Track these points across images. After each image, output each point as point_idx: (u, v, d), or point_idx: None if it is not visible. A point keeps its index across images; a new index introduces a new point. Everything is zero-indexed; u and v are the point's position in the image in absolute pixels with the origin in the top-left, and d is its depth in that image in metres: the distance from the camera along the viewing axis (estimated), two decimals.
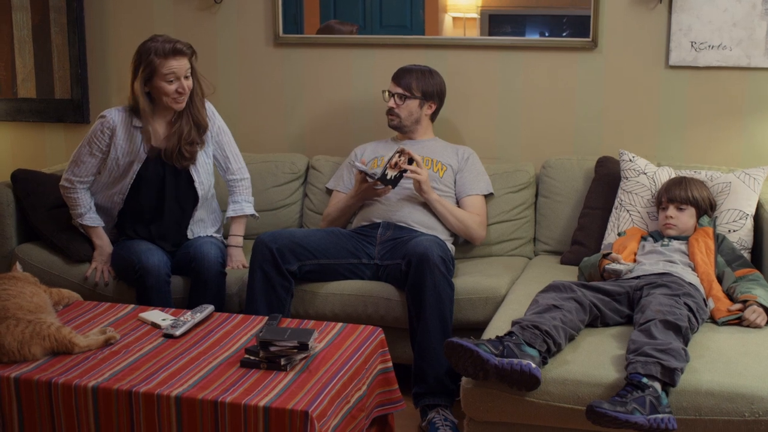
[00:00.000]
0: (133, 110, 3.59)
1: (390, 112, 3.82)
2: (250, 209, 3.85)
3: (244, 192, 3.85)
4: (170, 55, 3.48)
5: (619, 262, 3.17)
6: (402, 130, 3.85)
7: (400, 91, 3.79)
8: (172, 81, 3.50)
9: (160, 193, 3.67)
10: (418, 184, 3.58)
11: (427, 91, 3.80)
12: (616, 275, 3.11)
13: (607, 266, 3.16)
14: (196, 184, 3.68)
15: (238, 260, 3.76)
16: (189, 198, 3.71)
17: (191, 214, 3.73)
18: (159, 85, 3.50)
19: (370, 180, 3.61)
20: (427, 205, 3.68)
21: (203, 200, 3.72)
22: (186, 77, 3.53)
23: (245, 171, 3.87)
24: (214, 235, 3.79)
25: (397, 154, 3.54)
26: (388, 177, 3.55)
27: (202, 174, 3.70)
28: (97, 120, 3.64)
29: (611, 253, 3.25)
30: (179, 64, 3.49)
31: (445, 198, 3.68)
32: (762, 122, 3.82)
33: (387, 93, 3.83)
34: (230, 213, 3.83)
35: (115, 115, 3.61)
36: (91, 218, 3.71)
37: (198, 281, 3.49)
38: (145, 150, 3.60)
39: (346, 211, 3.79)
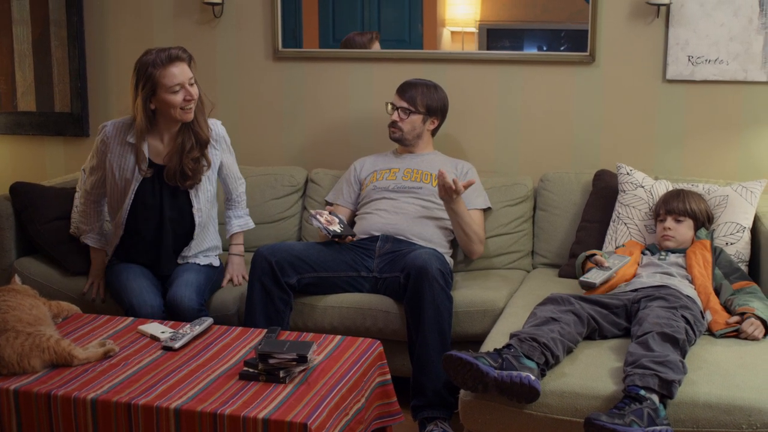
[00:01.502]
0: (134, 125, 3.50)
1: (393, 125, 3.83)
2: (251, 222, 3.85)
3: (243, 205, 3.83)
4: (168, 63, 3.36)
5: (601, 266, 3.17)
6: (403, 143, 3.87)
7: (404, 105, 3.80)
8: (177, 91, 3.38)
9: (159, 219, 3.56)
10: (451, 195, 3.51)
11: (431, 106, 3.81)
12: (589, 288, 3.12)
13: (580, 279, 3.17)
14: (194, 210, 3.58)
15: (239, 272, 3.73)
16: (186, 225, 3.60)
17: (187, 243, 3.61)
18: (165, 98, 3.38)
19: (330, 237, 3.57)
20: (426, 218, 3.69)
21: (200, 228, 3.62)
22: (191, 84, 3.42)
23: (243, 185, 3.83)
24: (201, 263, 3.64)
25: (318, 220, 3.55)
26: (339, 232, 3.56)
27: (203, 200, 3.60)
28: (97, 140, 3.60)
29: (595, 254, 3.26)
30: (180, 71, 3.38)
31: (442, 211, 3.68)
32: (759, 136, 3.83)
33: (390, 106, 3.84)
34: (236, 229, 3.77)
35: (110, 129, 3.53)
36: (93, 238, 3.67)
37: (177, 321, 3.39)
38: (140, 171, 3.50)
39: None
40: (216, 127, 3.64)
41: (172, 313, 3.40)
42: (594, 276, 3.14)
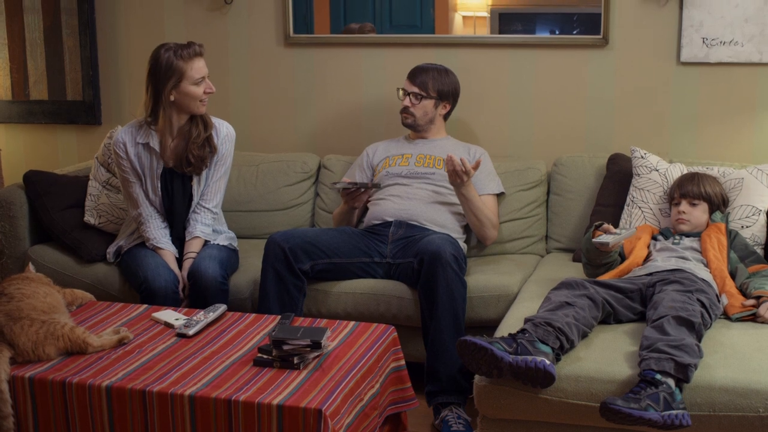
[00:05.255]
0: (145, 124, 3.56)
1: (404, 110, 3.81)
2: (212, 237, 3.68)
3: (211, 218, 3.68)
4: (194, 56, 3.47)
5: (609, 232, 3.14)
6: (416, 129, 3.85)
7: (415, 90, 3.78)
8: (200, 83, 3.48)
9: (170, 206, 3.64)
10: (461, 178, 3.49)
11: (443, 91, 3.79)
12: (604, 247, 3.10)
13: (593, 240, 3.14)
14: (193, 202, 3.66)
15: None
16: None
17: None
18: (187, 90, 3.47)
19: (361, 189, 3.65)
20: (439, 204, 3.68)
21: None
22: (208, 77, 3.54)
23: (218, 207, 3.73)
24: (221, 243, 3.67)
25: (342, 182, 3.65)
26: (366, 182, 3.70)
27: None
28: (111, 151, 3.64)
29: (603, 224, 3.23)
30: (203, 65, 3.50)
31: (455, 197, 3.66)
32: None
33: (402, 91, 3.82)
34: (198, 232, 3.62)
35: (120, 135, 3.60)
36: (156, 239, 3.59)
37: (198, 297, 3.43)
38: (159, 164, 3.58)
39: (345, 216, 3.81)
40: (230, 129, 3.71)
41: (196, 286, 3.43)
42: (605, 237, 3.11)
